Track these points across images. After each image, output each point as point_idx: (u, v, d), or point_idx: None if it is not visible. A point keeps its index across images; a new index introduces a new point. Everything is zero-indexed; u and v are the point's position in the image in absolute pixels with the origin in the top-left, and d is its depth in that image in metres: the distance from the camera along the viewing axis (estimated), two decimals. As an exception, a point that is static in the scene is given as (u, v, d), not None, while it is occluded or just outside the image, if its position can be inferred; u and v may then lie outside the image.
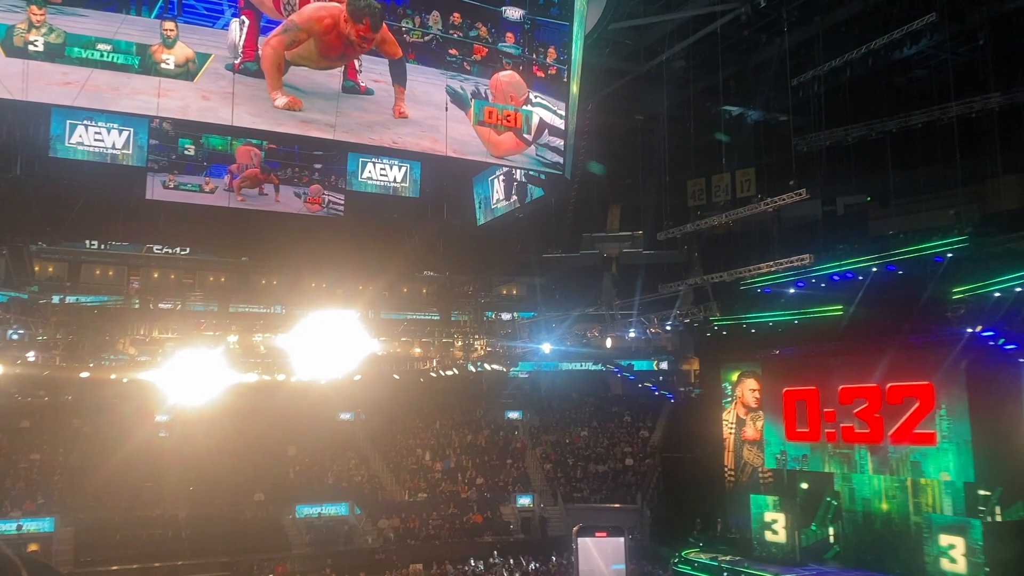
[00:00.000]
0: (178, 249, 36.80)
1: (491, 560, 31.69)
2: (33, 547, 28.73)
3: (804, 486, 27.42)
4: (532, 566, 30.77)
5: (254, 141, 22.26)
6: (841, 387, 26.22)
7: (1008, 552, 20.59)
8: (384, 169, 26.27)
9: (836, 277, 24.99)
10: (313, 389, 34.39)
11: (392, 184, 26.77)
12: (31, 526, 30.29)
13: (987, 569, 20.66)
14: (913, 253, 23.03)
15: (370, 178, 26.20)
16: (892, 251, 23.77)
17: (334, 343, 23.66)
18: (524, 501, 37.63)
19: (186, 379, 25.49)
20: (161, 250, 36.61)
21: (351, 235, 28.24)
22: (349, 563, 30.90)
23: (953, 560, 21.46)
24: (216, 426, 30.47)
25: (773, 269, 25.32)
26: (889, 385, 24.63)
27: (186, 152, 22.22)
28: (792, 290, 26.60)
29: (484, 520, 35.79)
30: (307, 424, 37.67)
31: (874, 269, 24.05)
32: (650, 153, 29.91)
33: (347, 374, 24.87)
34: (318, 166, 24.02)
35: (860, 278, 24.54)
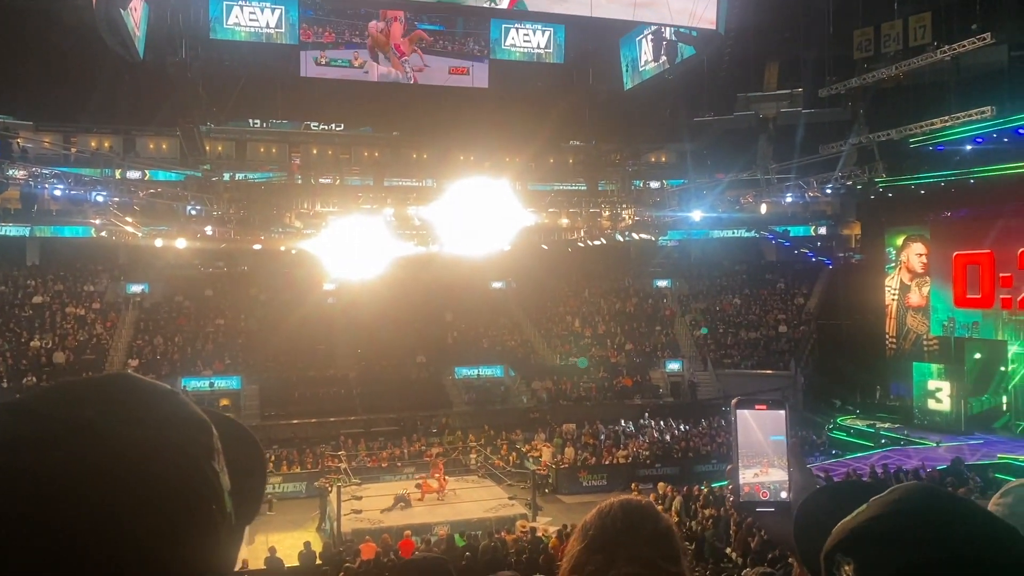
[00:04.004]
0: (333, 125, 38.03)
1: (641, 421, 32.42)
2: (224, 402, 31.89)
3: (977, 356, 26.11)
4: (682, 428, 31.28)
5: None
6: (1022, 250, 24.35)
7: None
8: (527, 35, 25.85)
9: (1022, 131, 22.78)
10: (465, 259, 35.44)
11: (536, 51, 26.36)
12: (221, 383, 33.59)
13: None
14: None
15: (514, 45, 25.89)
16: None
17: (484, 215, 23.29)
18: (673, 366, 37.91)
19: (348, 250, 26.51)
20: (318, 126, 37.97)
21: (496, 106, 28.29)
22: (505, 421, 32.52)
23: None
24: (378, 294, 32.14)
25: (948, 124, 23.39)
26: (1078, 248, 22.66)
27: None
28: (969, 147, 24.54)
29: (633, 383, 36.49)
30: (461, 292, 39.10)
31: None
32: (811, 2, 27.69)
33: (498, 248, 24.71)
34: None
35: (1051, 131, 22.29)
